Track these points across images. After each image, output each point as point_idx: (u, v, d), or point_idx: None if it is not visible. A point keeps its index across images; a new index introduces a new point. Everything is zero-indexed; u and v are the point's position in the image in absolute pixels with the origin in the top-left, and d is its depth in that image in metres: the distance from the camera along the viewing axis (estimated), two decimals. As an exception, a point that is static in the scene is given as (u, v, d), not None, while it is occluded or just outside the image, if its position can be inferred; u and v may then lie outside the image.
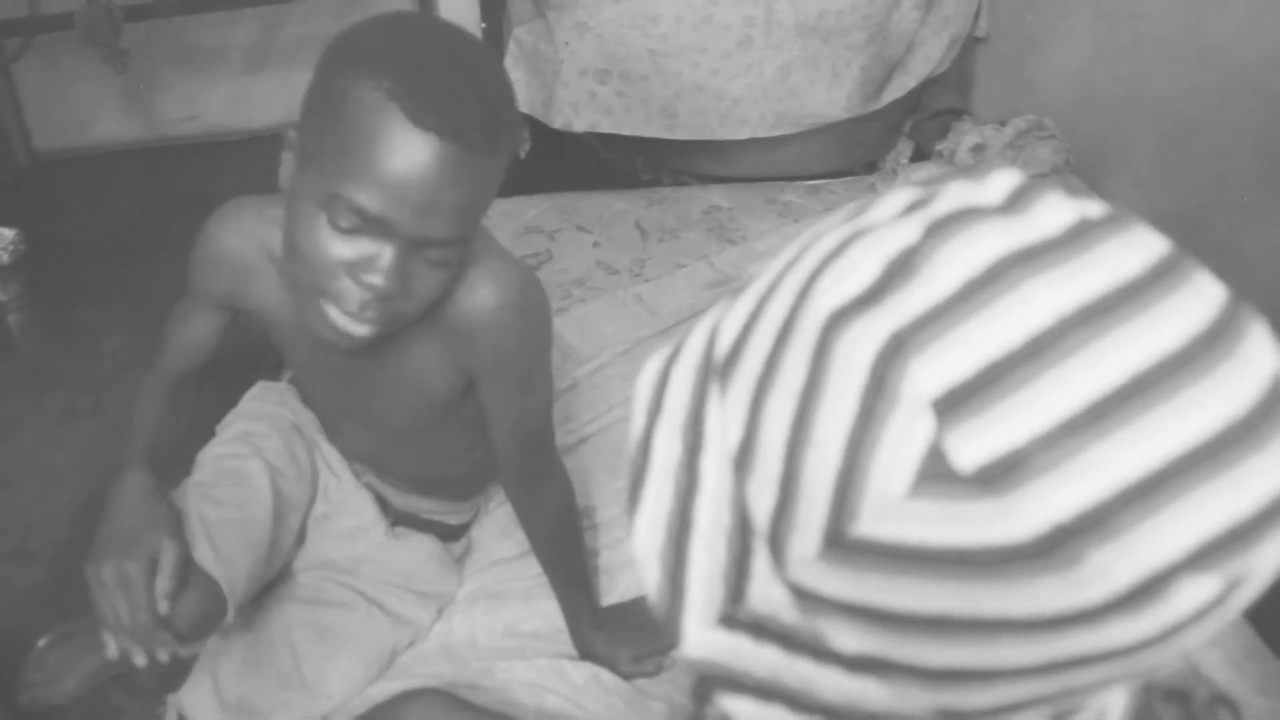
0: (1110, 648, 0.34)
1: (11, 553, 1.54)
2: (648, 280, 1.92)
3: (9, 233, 2.05)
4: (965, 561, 0.33)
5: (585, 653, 1.27)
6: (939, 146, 2.34)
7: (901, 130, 2.53)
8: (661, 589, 0.41)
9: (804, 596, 0.37)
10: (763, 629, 0.38)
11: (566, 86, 2.07)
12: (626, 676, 1.25)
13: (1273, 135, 1.78)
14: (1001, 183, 0.37)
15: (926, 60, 2.30)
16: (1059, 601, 0.33)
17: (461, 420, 1.16)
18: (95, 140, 2.59)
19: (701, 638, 0.40)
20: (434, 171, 0.81)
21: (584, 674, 1.25)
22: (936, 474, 0.33)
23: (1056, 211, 0.35)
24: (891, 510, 0.34)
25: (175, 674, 1.23)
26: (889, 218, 0.37)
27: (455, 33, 0.88)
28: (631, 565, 1.40)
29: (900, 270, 0.35)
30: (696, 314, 1.83)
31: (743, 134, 2.15)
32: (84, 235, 2.15)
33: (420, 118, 0.79)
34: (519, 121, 0.84)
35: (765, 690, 0.40)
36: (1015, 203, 0.36)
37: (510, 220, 2.06)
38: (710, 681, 0.41)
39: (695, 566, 0.40)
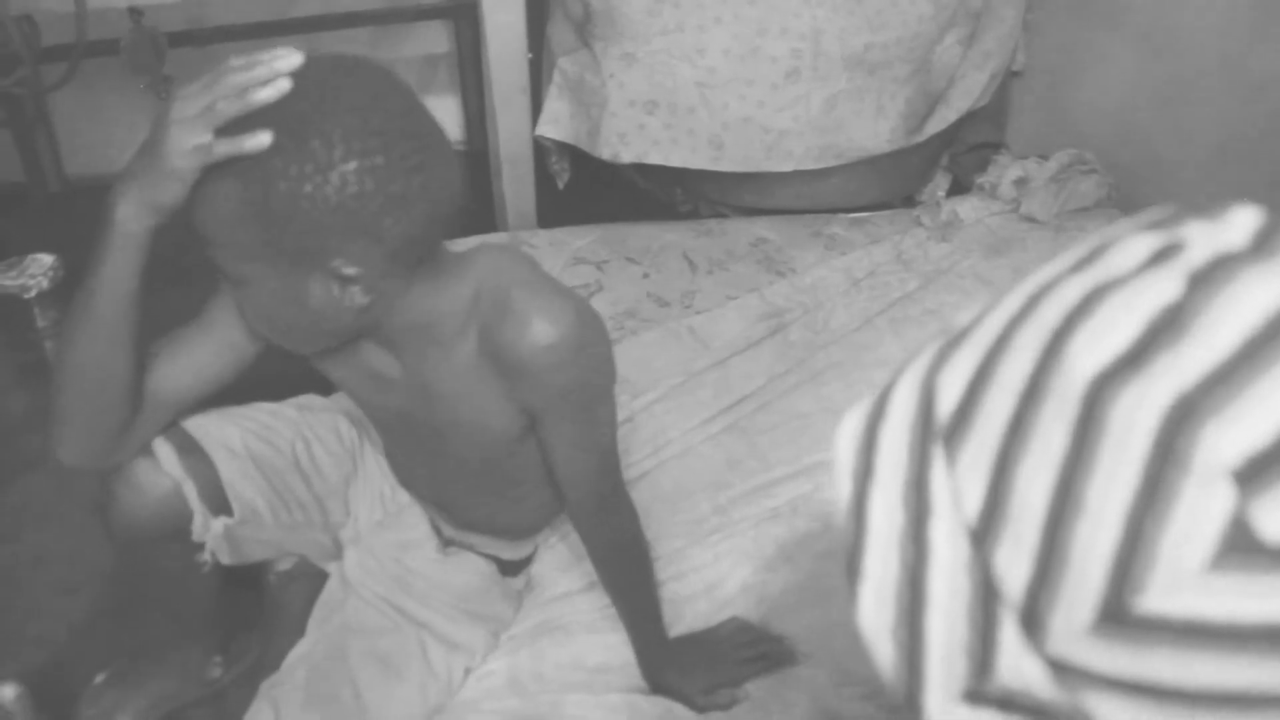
0: None
1: (57, 585, 1.51)
2: (699, 312, 1.90)
3: (48, 258, 2.03)
4: (1277, 637, 0.31)
5: (656, 685, 1.25)
6: (980, 180, 2.34)
7: (939, 163, 2.53)
8: (897, 666, 0.39)
9: (1066, 671, 0.35)
10: (1013, 704, 0.37)
11: (614, 117, 2.06)
12: (700, 710, 1.22)
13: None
14: (1243, 222, 0.36)
15: (967, 94, 2.31)
16: None
17: (521, 464, 1.14)
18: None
19: (945, 716, 0.38)
20: None
21: (657, 709, 1.23)
22: (1241, 546, 0.31)
23: None
24: (1187, 584, 0.32)
25: (234, 710, 1.20)
26: (1134, 268, 0.36)
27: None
28: (697, 597, 1.38)
29: (1167, 328, 0.33)
30: (751, 346, 1.82)
31: (788, 166, 2.14)
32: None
33: None
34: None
35: None
36: (1266, 244, 0.35)
37: (557, 251, 2.04)
38: None
39: (933, 641, 0.38)
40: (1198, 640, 0.32)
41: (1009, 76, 2.47)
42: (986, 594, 0.36)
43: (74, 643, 1.42)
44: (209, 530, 1.14)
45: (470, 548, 1.31)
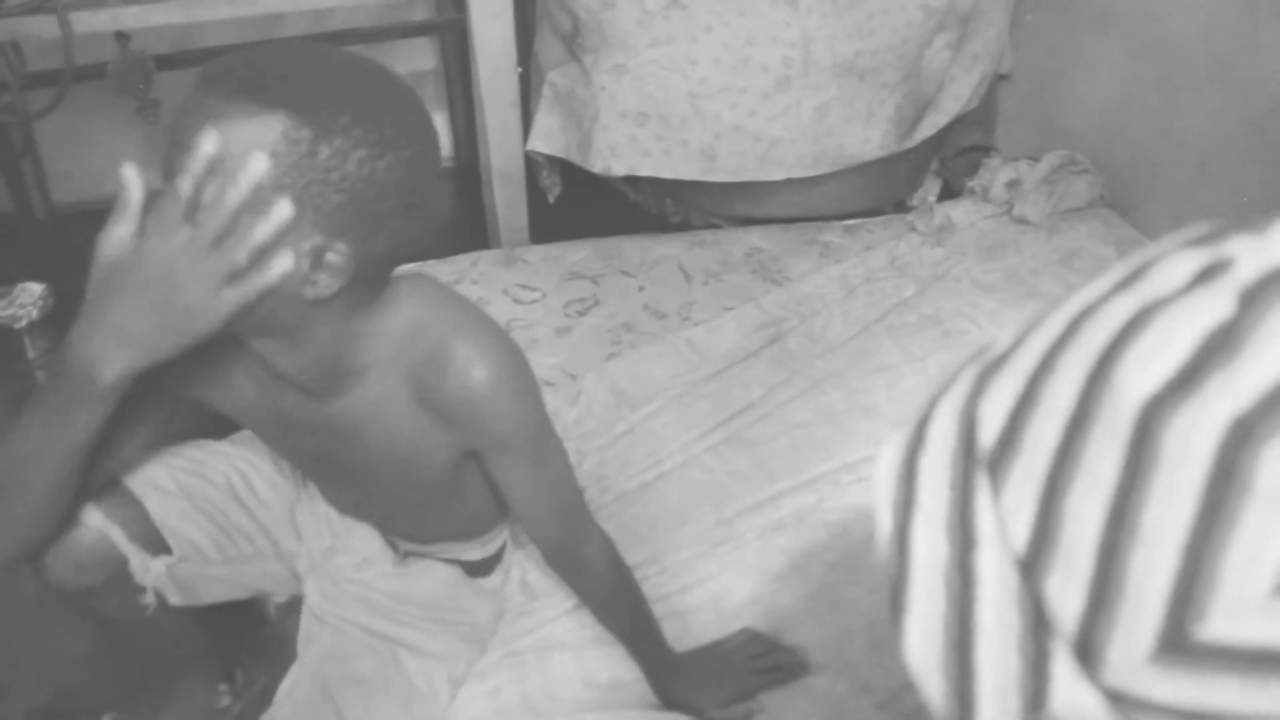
0: None
1: (59, 619, 1.49)
2: (696, 324, 1.89)
3: (38, 287, 2.01)
4: None
5: (668, 702, 1.24)
6: (971, 183, 2.34)
7: (928, 168, 2.53)
8: (948, 701, 0.38)
9: (1125, 702, 0.34)
10: None
11: (606, 130, 2.05)
12: None
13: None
14: None
15: (957, 98, 2.31)
16: None
17: (461, 478, 1.11)
18: (114, 194, 2.54)
19: None
20: None
21: (672, 725, 1.22)
22: None
23: None
24: (1252, 610, 0.31)
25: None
26: (1181, 287, 0.35)
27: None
28: (704, 609, 1.37)
29: (1220, 348, 0.32)
30: (749, 356, 1.81)
31: (780, 175, 2.14)
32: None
33: None
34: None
35: None
36: None
37: (552, 266, 2.03)
38: None
39: (984, 675, 0.37)
40: (1264, 667, 0.31)
41: (996, 80, 2.48)
42: (1037, 625, 0.35)
43: (78, 679, 1.40)
44: (149, 571, 1.11)
45: (429, 555, 1.27)
